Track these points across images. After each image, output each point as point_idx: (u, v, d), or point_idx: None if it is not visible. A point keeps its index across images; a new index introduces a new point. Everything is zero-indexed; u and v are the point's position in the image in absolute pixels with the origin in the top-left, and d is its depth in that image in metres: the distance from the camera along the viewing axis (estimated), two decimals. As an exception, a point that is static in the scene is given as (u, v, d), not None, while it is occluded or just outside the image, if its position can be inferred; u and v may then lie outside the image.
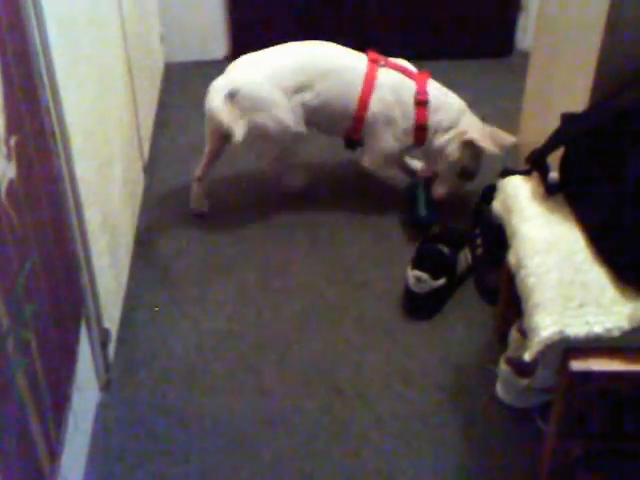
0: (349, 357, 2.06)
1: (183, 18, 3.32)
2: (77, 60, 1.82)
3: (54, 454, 1.54)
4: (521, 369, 1.84)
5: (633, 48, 1.69)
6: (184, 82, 3.26)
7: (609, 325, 1.43)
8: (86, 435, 1.83)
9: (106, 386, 1.97)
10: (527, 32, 3.26)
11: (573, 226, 1.65)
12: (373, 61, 2.40)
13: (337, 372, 2.02)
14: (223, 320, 2.18)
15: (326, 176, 2.71)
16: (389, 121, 2.38)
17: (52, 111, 1.61)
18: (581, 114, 1.71)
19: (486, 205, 2.04)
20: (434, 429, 1.88)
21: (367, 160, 2.49)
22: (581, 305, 1.47)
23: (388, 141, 2.41)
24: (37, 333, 1.46)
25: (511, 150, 2.38)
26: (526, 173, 1.81)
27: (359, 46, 2.47)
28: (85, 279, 1.83)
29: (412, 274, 2.15)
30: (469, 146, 2.36)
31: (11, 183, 1.35)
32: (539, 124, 2.13)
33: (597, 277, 1.53)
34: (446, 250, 2.21)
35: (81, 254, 1.80)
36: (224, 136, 2.40)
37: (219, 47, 3.40)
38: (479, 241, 2.30)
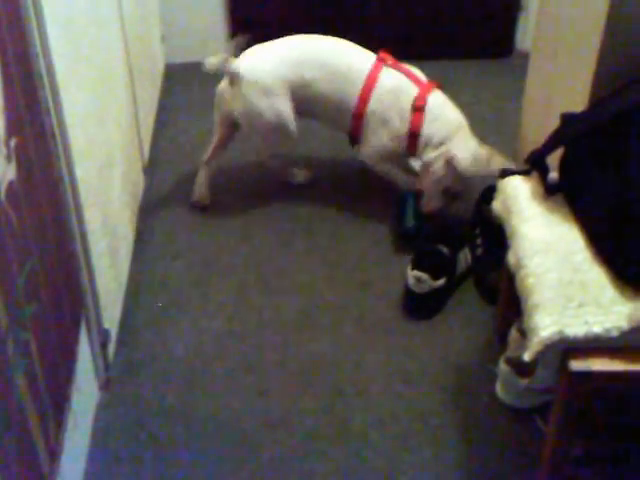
0: (349, 357, 2.06)
1: (184, 19, 3.32)
2: (77, 61, 1.82)
3: (54, 454, 1.54)
4: (521, 369, 1.85)
5: (632, 49, 1.69)
6: (184, 83, 3.26)
7: (608, 325, 1.43)
8: (86, 435, 1.83)
9: (106, 386, 1.97)
10: (527, 33, 3.26)
11: (572, 226, 1.65)
12: (380, 60, 2.40)
13: (337, 372, 2.02)
14: (223, 320, 2.18)
15: (328, 174, 2.71)
16: (385, 120, 2.37)
17: (52, 112, 1.61)
18: (581, 114, 1.71)
19: (486, 205, 2.04)
20: (434, 429, 1.88)
21: (363, 153, 2.48)
22: (580, 305, 1.47)
23: (382, 139, 2.40)
24: (37, 334, 1.46)
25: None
26: (526, 173, 1.81)
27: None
28: (85, 280, 1.83)
29: (412, 274, 2.15)
30: (453, 166, 2.31)
31: (11, 184, 1.35)
32: (539, 124, 2.13)
33: (596, 277, 1.53)
34: (446, 250, 2.21)
35: (81, 255, 1.80)
36: (233, 123, 2.44)
37: (219, 48, 3.39)
38: (479, 241, 2.30)
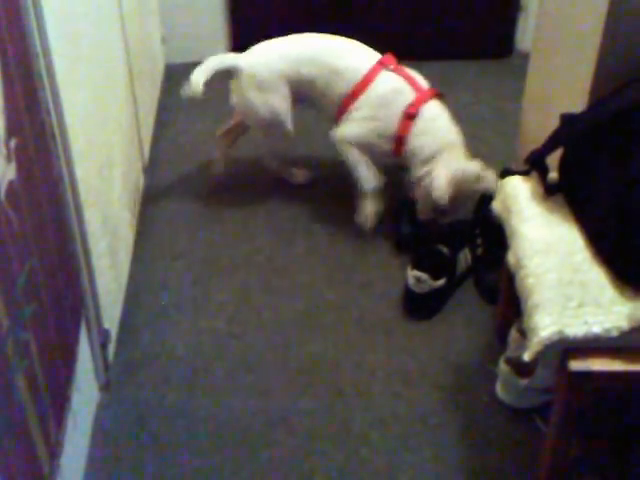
0: (349, 357, 2.06)
1: (184, 19, 3.32)
2: (77, 61, 1.82)
3: (54, 454, 1.54)
4: (521, 369, 1.85)
5: (632, 48, 1.69)
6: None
7: (608, 325, 1.44)
8: (86, 435, 1.83)
9: (106, 386, 1.97)
10: (527, 33, 3.26)
11: (572, 226, 1.65)
12: (381, 64, 2.36)
13: (337, 372, 2.02)
14: (223, 320, 2.18)
15: (328, 174, 2.70)
16: (371, 117, 2.34)
17: (52, 112, 1.61)
18: (580, 115, 1.71)
19: (486, 205, 2.04)
20: (434, 429, 1.88)
21: (338, 134, 2.40)
22: (580, 305, 1.47)
23: (363, 129, 2.35)
24: (37, 334, 1.46)
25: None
26: (525, 173, 1.81)
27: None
28: (85, 280, 1.83)
29: (412, 274, 2.16)
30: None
31: (11, 184, 1.35)
32: (539, 124, 2.13)
33: (596, 277, 1.53)
34: (446, 250, 2.21)
35: (81, 255, 1.80)
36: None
37: (220, 48, 3.39)
38: (479, 241, 2.30)
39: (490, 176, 2.26)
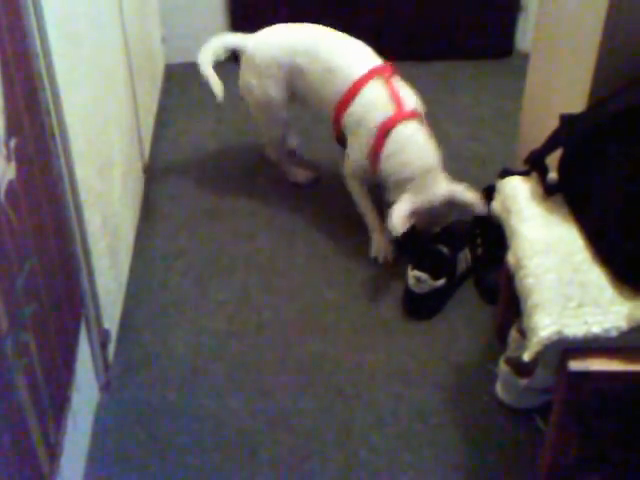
0: (349, 357, 2.07)
1: (184, 19, 3.32)
2: (77, 61, 1.82)
3: (53, 455, 1.54)
4: (521, 369, 1.85)
5: (631, 50, 1.69)
6: (185, 83, 3.26)
7: (607, 325, 1.44)
8: (86, 436, 1.83)
9: (106, 386, 1.97)
10: (527, 33, 3.26)
11: (572, 226, 1.65)
12: (374, 72, 2.30)
13: (337, 372, 2.02)
14: (223, 320, 2.18)
15: (328, 174, 2.71)
16: (355, 132, 2.30)
17: (52, 112, 1.61)
18: (580, 115, 1.71)
19: (486, 205, 2.04)
20: (434, 429, 1.88)
21: (344, 167, 2.40)
22: (580, 305, 1.47)
23: (355, 151, 2.33)
24: (36, 334, 1.46)
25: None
26: (525, 174, 1.81)
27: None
28: (85, 280, 1.83)
29: (412, 274, 2.16)
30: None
31: (11, 184, 1.35)
32: (538, 125, 2.13)
33: (596, 277, 1.53)
34: (446, 250, 2.21)
35: (81, 255, 1.80)
36: None
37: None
38: (479, 241, 2.30)
39: (468, 197, 2.18)
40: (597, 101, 1.71)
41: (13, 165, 1.37)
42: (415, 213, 2.17)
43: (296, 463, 1.81)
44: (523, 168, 1.82)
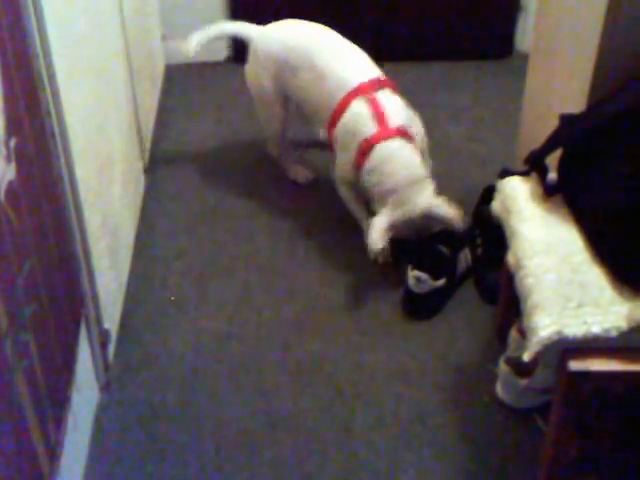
0: (349, 357, 2.07)
1: (184, 19, 3.32)
2: (77, 61, 1.82)
3: (53, 455, 1.54)
4: (521, 369, 1.85)
5: (630, 50, 1.69)
6: (185, 84, 3.26)
7: (607, 325, 1.44)
8: (86, 436, 1.84)
9: (106, 387, 1.97)
10: (527, 33, 3.26)
11: (571, 227, 1.65)
12: (361, 88, 2.26)
13: (337, 372, 2.02)
14: (223, 321, 2.18)
15: (328, 174, 2.70)
16: (345, 145, 2.29)
17: (52, 112, 1.62)
18: (579, 115, 1.71)
19: (486, 205, 2.04)
20: (434, 429, 1.88)
21: (334, 172, 2.41)
22: (579, 305, 1.47)
23: (341, 162, 2.33)
24: (36, 334, 1.46)
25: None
26: (525, 174, 1.81)
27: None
28: (85, 280, 1.83)
29: (412, 274, 2.16)
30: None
31: (11, 184, 1.36)
32: (538, 125, 2.13)
33: (595, 277, 1.53)
34: (446, 250, 2.21)
35: (81, 255, 1.80)
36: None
37: (220, 49, 3.40)
38: (479, 241, 2.30)
39: (446, 212, 2.17)
40: (597, 101, 1.71)
41: (13, 165, 1.37)
42: (394, 226, 2.16)
43: (296, 463, 1.81)
44: (523, 168, 1.82)
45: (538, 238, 1.63)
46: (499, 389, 1.93)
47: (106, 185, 2.07)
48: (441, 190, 2.62)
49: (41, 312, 1.50)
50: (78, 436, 1.74)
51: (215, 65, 3.37)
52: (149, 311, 2.21)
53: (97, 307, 1.90)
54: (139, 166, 2.61)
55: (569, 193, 1.71)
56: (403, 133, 2.22)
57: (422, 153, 2.30)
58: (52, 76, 1.59)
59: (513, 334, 1.86)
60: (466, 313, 2.19)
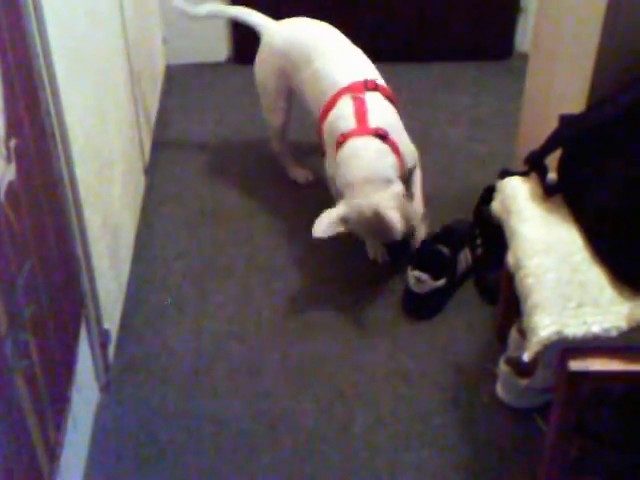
0: (349, 357, 2.07)
1: (185, 20, 3.31)
2: (78, 62, 1.82)
3: (53, 455, 1.54)
4: (521, 369, 1.85)
5: (630, 50, 1.69)
6: (185, 84, 3.26)
7: (607, 325, 1.44)
8: (86, 436, 1.84)
9: (106, 387, 1.97)
10: (526, 34, 3.26)
11: (571, 227, 1.65)
12: (349, 88, 2.26)
13: (337, 372, 2.02)
14: (223, 321, 2.18)
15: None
16: (329, 142, 2.28)
17: (52, 113, 1.62)
18: (579, 115, 1.71)
19: (486, 205, 2.04)
20: (434, 429, 1.88)
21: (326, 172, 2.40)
22: (579, 305, 1.47)
23: (328, 159, 2.31)
24: (36, 334, 1.46)
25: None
26: (525, 174, 1.81)
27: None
28: (85, 280, 1.83)
29: (412, 274, 2.16)
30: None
31: (11, 185, 1.36)
32: (538, 125, 2.13)
33: (595, 277, 1.53)
34: (446, 250, 2.21)
35: (81, 255, 1.80)
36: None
37: (221, 49, 3.40)
38: (479, 241, 2.30)
39: (388, 215, 2.08)
40: (597, 101, 1.71)
41: (13, 165, 1.37)
42: (344, 222, 2.12)
43: (296, 464, 1.81)
44: (523, 168, 1.82)
45: (538, 238, 1.63)
46: (499, 389, 1.93)
47: (106, 185, 2.07)
48: (441, 190, 2.63)
49: (41, 312, 1.51)
50: (78, 436, 1.74)
51: (215, 65, 3.37)
52: (149, 311, 2.21)
53: (97, 307, 1.90)
54: (139, 166, 2.61)
55: (569, 193, 1.71)
56: (380, 135, 2.19)
57: (408, 171, 2.28)
58: (52, 76, 1.59)
59: (513, 334, 1.86)
60: (466, 313, 2.19)
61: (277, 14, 2.69)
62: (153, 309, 2.21)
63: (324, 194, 2.61)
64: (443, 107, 3.05)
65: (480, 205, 2.34)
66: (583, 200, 1.64)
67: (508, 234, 1.73)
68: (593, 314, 1.45)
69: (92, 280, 1.86)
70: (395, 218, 2.09)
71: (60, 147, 1.66)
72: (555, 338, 1.44)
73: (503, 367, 1.90)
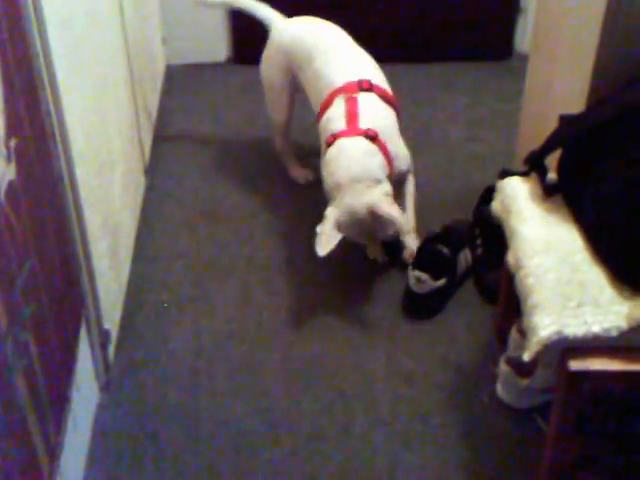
0: (349, 357, 2.07)
1: (185, 20, 3.32)
2: (78, 62, 1.82)
3: (53, 455, 1.54)
4: (521, 369, 1.85)
5: (630, 50, 1.69)
6: (185, 84, 3.26)
7: (607, 325, 1.44)
8: (86, 436, 1.84)
9: (106, 387, 1.97)
10: (526, 35, 3.26)
11: (571, 226, 1.65)
12: (344, 88, 2.26)
13: (337, 372, 2.02)
14: (223, 321, 2.18)
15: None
16: (323, 142, 2.28)
17: (52, 113, 1.62)
18: (579, 116, 1.71)
19: (486, 205, 2.04)
20: (434, 429, 1.88)
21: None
22: (579, 305, 1.47)
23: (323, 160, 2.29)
24: (36, 334, 1.46)
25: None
26: (525, 174, 1.81)
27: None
28: (85, 280, 1.84)
29: (412, 274, 2.16)
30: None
31: (11, 184, 1.36)
32: (538, 125, 2.13)
33: (595, 277, 1.53)
34: (446, 250, 2.21)
35: (81, 255, 1.80)
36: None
37: (221, 49, 3.40)
38: (479, 241, 2.30)
39: (387, 211, 2.07)
40: (596, 101, 1.71)
41: (13, 165, 1.37)
42: (340, 227, 2.10)
43: (296, 464, 1.81)
44: (523, 168, 1.82)
45: (538, 238, 1.63)
46: (499, 389, 1.93)
47: (106, 185, 2.07)
48: (441, 190, 2.64)
49: (41, 312, 1.51)
50: (78, 436, 1.74)
51: (215, 66, 3.37)
52: (149, 311, 2.21)
53: (97, 307, 1.90)
54: (139, 166, 2.61)
55: (569, 193, 1.71)
56: (370, 136, 2.17)
57: (401, 176, 2.27)
58: (52, 76, 1.59)
59: (513, 334, 1.86)
60: (466, 313, 2.19)
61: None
62: (153, 309, 2.21)
63: (324, 194, 2.62)
64: (443, 107, 3.05)
65: (480, 205, 2.34)
66: (583, 200, 1.64)
67: (508, 234, 1.73)
68: (593, 314, 1.45)
69: (92, 280, 1.86)
70: (392, 211, 2.07)
71: (60, 147, 1.66)
72: (555, 338, 1.44)
73: (503, 367, 1.90)
